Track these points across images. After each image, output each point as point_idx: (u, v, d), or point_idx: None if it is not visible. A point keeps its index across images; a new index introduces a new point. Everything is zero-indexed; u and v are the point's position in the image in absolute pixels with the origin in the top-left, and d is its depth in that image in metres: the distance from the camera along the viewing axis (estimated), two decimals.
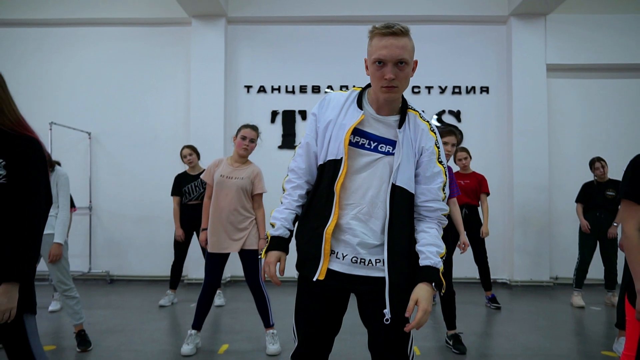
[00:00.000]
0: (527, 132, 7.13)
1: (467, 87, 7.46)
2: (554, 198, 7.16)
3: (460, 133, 7.14)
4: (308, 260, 1.96)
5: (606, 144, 7.18)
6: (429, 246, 1.88)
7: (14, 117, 2.05)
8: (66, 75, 7.58)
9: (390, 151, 1.91)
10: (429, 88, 7.47)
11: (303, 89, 7.48)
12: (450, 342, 4.12)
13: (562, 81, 7.35)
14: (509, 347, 4.28)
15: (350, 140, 1.91)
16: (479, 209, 5.80)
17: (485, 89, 7.46)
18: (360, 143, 1.92)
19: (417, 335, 4.59)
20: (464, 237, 4.36)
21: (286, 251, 2.02)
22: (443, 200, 1.94)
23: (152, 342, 4.33)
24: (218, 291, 5.85)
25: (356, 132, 1.92)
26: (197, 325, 4.01)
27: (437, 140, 1.97)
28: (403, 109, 1.96)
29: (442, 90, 7.47)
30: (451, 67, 7.47)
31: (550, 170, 7.17)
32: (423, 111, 2.05)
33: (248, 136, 4.01)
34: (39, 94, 7.49)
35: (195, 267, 6.92)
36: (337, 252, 1.92)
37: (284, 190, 2.09)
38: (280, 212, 2.04)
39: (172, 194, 5.78)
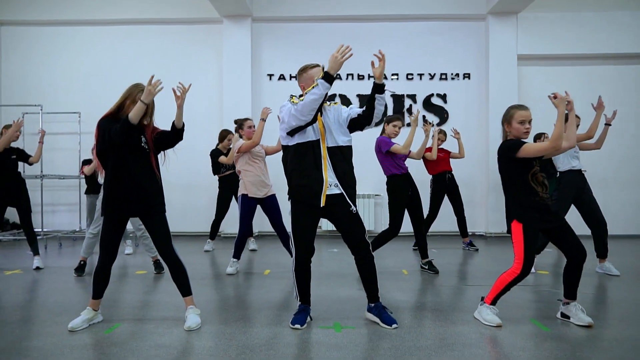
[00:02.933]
0: (501, 111, 8.37)
1: (452, 74, 8.80)
2: None
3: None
4: (316, 195, 3.33)
5: None
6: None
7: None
8: (118, 67, 8.93)
9: None
10: (420, 75, 8.81)
11: None
12: (426, 267, 5.50)
13: (530, 68, 8.70)
14: (479, 271, 5.68)
15: None
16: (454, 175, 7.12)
17: (467, 75, 8.80)
18: None
19: (403, 262, 6.05)
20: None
21: None
22: None
23: (208, 269, 5.76)
24: (252, 238, 7.28)
25: None
26: (237, 255, 5.47)
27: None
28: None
29: (432, 77, 8.80)
30: (439, 57, 8.78)
31: None
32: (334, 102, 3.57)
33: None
34: (95, 84, 8.86)
35: (230, 225, 8.32)
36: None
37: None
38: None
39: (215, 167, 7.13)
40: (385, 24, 8.81)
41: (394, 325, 3.33)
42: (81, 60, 8.92)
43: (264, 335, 3.23)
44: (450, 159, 7.10)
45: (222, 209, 7.15)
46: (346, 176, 3.39)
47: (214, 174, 7.13)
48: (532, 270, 5.37)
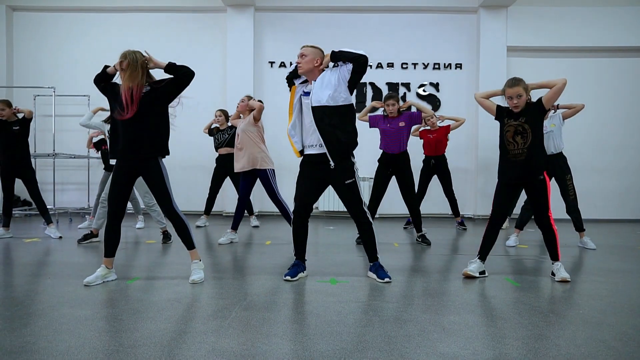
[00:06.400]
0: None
1: (444, 64, 9.20)
2: None
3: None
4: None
5: None
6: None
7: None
8: None
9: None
10: (414, 64, 9.21)
11: None
12: (420, 240, 5.95)
13: (519, 59, 9.10)
14: (467, 247, 6.12)
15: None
16: (446, 157, 7.46)
17: (459, 65, 9.20)
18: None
19: (394, 237, 6.46)
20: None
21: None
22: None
23: (204, 241, 6.19)
24: (254, 216, 7.70)
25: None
26: (234, 226, 5.91)
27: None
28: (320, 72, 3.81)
29: (425, 66, 9.20)
30: (432, 47, 9.18)
31: None
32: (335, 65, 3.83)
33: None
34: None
35: (231, 204, 8.73)
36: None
37: None
38: None
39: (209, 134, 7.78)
40: (383, 15, 9.20)
41: (386, 279, 3.77)
42: (89, 46, 9.26)
43: (267, 286, 3.65)
44: (449, 136, 7.40)
45: (215, 186, 7.61)
46: (328, 136, 3.71)
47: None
48: (512, 244, 5.88)
